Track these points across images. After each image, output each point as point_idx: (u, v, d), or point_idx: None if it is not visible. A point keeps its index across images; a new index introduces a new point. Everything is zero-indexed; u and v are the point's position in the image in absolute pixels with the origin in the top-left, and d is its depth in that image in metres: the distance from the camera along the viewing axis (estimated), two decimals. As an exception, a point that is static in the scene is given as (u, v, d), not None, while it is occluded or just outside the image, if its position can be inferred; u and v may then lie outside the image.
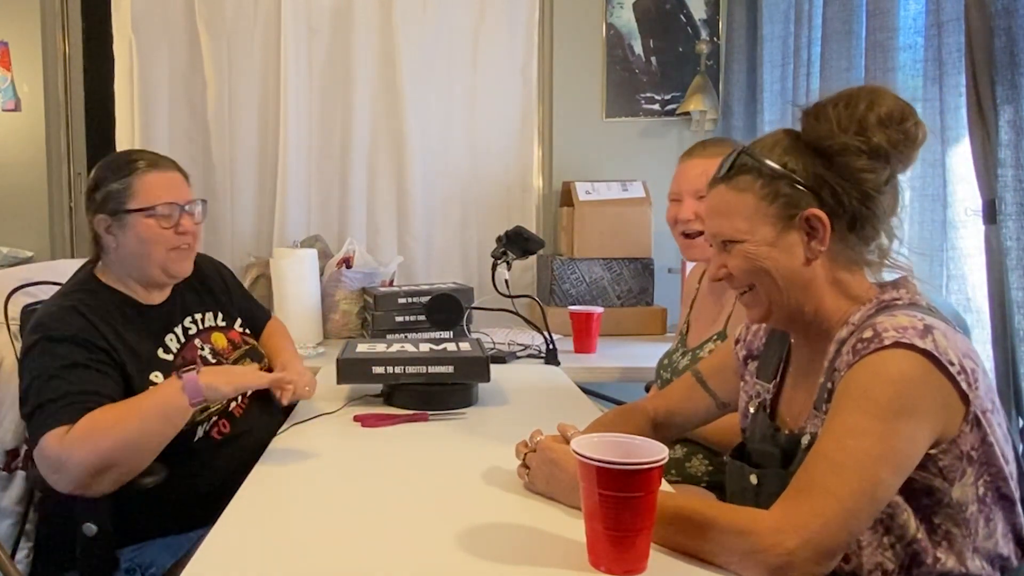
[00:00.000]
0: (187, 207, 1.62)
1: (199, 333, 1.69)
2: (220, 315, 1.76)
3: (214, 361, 1.68)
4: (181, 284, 1.70)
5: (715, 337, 1.72)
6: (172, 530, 1.59)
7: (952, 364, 0.97)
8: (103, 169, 1.61)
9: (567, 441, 1.23)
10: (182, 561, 1.48)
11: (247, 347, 1.78)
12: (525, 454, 1.28)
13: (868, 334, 1.00)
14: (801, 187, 1.08)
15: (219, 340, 1.73)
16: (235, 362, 1.73)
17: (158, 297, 1.66)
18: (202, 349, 1.67)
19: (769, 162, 1.10)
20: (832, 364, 1.08)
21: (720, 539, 0.98)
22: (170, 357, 1.61)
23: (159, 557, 1.55)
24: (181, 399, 1.43)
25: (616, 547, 0.96)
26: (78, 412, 1.40)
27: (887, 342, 0.98)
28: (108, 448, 1.38)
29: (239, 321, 1.82)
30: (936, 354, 0.97)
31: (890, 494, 0.98)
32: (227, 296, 1.83)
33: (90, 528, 1.46)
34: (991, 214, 1.56)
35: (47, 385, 1.43)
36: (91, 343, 1.49)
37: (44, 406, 1.41)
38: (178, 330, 1.66)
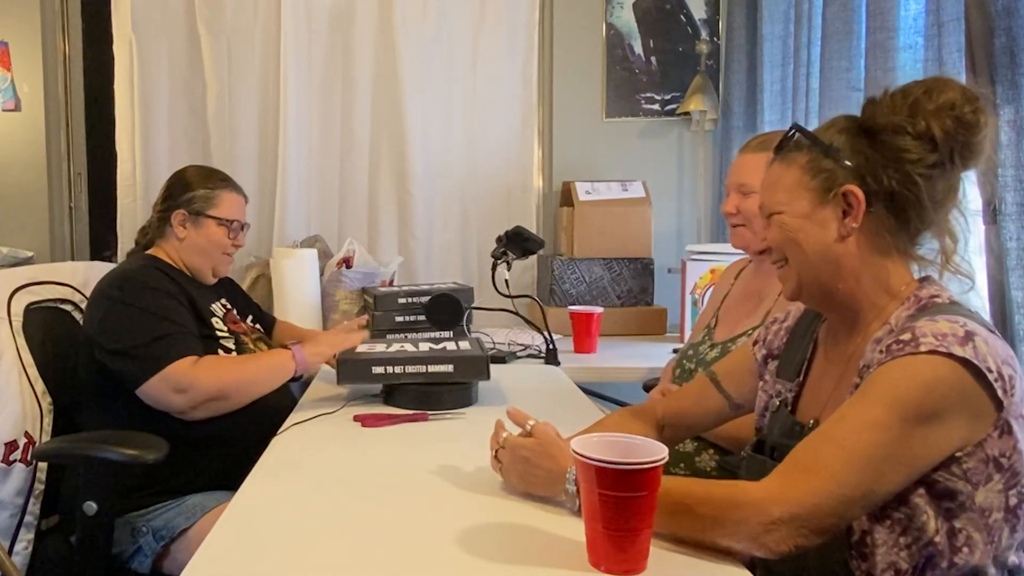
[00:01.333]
0: (244, 226, 2.03)
1: (227, 312, 2.01)
2: (236, 309, 2.07)
3: (255, 335, 2.06)
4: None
5: (751, 331, 1.72)
6: (189, 491, 1.75)
7: (991, 371, 0.96)
8: (193, 176, 1.98)
9: (527, 432, 1.24)
10: (194, 525, 1.65)
11: (259, 333, 2.11)
12: (496, 450, 1.28)
13: (906, 336, 0.99)
14: (843, 164, 1.09)
15: (239, 324, 2.06)
16: (254, 341, 2.03)
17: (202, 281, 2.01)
18: (235, 323, 1.99)
19: (817, 138, 1.12)
20: (866, 364, 1.07)
21: (713, 514, 0.99)
22: (220, 314, 1.95)
23: (173, 520, 1.68)
24: (291, 364, 1.80)
25: (616, 547, 0.96)
26: (197, 348, 1.74)
27: (923, 348, 0.97)
28: (229, 381, 1.73)
29: (250, 317, 2.15)
30: (975, 361, 0.95)
31: (891, 491, 0.97)
32: (238, 298, 2.16)
33: (91, 507, 1.57)
34: (991, 214, 1.56)
35: (158, 322, 1.73)
36: (175, 294, 1.82)
37: (165, 338, 1.71)
38: (219, 303, 2.00)
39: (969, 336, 0.97)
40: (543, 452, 1.19)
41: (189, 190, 1.95)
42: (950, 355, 0.96)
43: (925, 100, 1.06)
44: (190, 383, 1.68)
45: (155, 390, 1.68)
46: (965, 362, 0.96)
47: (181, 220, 1.93)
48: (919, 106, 1.06)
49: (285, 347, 1.83)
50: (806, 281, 1.15)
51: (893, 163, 1.07)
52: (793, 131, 1.15)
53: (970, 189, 1.62)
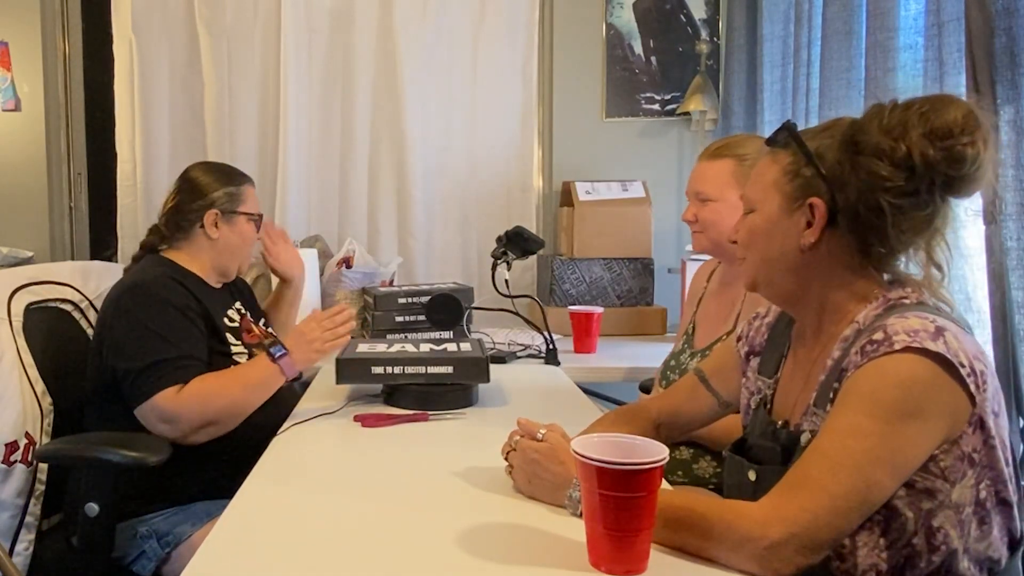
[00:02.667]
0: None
1: (242, 318, 1.98)
2: (249, 312, 2.05)
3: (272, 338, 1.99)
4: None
5: (724, 336, 1.72)
6: (197, 498, 1.73)
7: (963, 366, 0.96)
8: (214, 173, 1.95)
9: (539, 440, 1.23)
10: (199, 531, 1.63)
11: (273, 338, 2.02)
12: (508, 453, 1.28)
13: (879, 336, 0.99)
14: (821, 174, 1.07)
15: (253, 328, 2.02)
16: (269, 345, 1.94)
17: (217, 284, 1.98)
18: (250, 333, 1.95)
19: (804, 142, 1.10)
20: (839, 364, 1.06)
21: (710, 532, 0.98)
22: (236, 321, 1.93)
23: (178, 526, 1.67)
24: (279, 377, 1.74)
25: (616, 547, 0.96)
26: (187, 374, 1.66)
27: (897, 346, 0.97)
28: (215, 409, 1.67)
29: (262, 320, 2.11)
30: (948, 355, 0.96)
31: (885, 496, 0.97)
32: (251, 301, 2.15)
33: (92, 508, 1.56)
34: (991, 214, 1.55)
35: (158, 344, 1.67)
36: (191, 308, 1.77)
37: (157, 365, 1.65)
38: (234, 308, 1.98)
39: (940, 331, 0.98)
40: (554, 457, 1.19)
41: (214, 189, 1.92)
42: (924, 350, 0.96)
43: (919, 121, 1.02)
44: (173, 415, 1.64)
45: (143, 418, 1.66)
46: (938, 357, 0.96)
47: (214, 220, 1.90)
48: (908, 128, 1.02)
49: (269, 353, 1.76)
50: (762, 281, 1.16)
51: (866, 187, 1.04)
52: (785, 127, 1.12)
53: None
